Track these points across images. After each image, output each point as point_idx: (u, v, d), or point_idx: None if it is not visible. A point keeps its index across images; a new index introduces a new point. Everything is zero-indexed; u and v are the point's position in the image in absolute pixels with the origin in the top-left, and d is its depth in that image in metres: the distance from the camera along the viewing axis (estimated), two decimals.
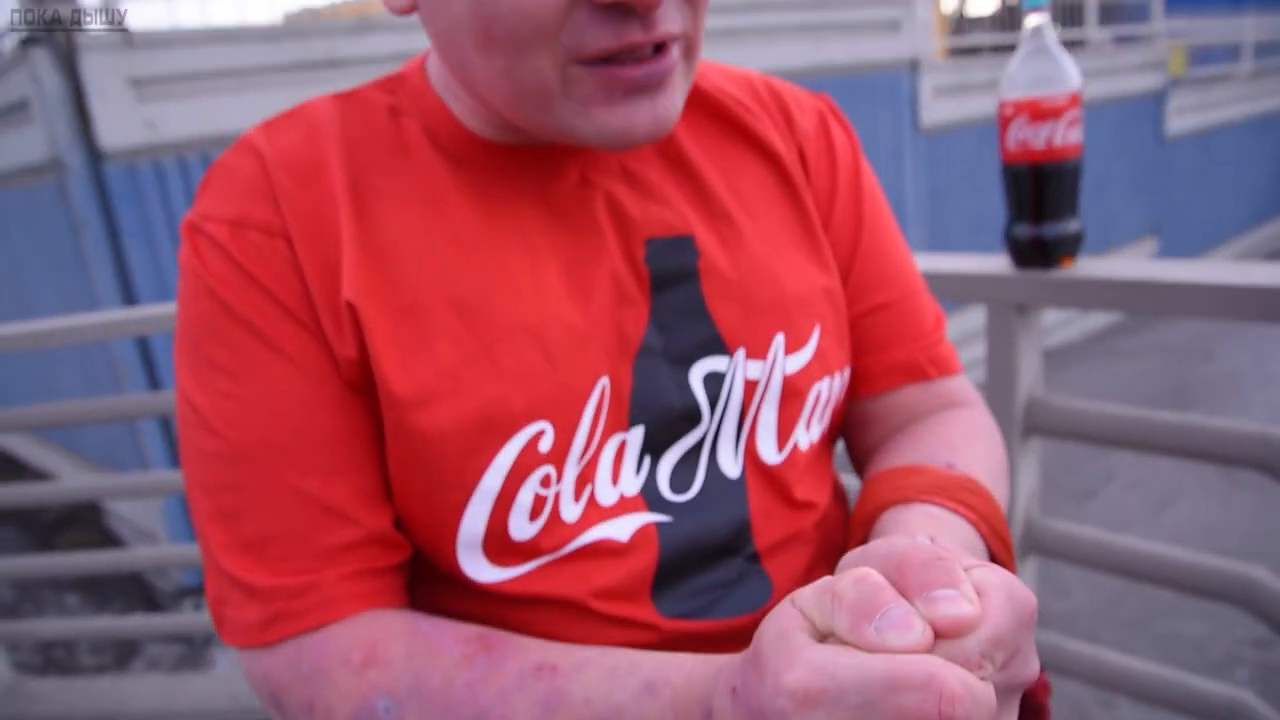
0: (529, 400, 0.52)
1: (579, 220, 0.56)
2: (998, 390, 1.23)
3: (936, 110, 5.99)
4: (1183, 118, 8.28)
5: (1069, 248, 1.14)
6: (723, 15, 4.64)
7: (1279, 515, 3.55)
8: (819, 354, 0.61)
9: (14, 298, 4.44)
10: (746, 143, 0.63)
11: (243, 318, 0.51)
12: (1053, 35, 1.08)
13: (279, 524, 0.51)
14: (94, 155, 3.32)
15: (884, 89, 5.71)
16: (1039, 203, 1.12)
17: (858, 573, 0.36)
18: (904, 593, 0.35)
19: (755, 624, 0.55)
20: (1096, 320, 7.02)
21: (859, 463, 0.69)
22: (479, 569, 0.54)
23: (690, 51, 0.52)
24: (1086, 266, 1.13)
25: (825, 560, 0.62)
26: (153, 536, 3.65)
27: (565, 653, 0.48)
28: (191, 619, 2.51)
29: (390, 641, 0.50)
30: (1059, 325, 6.47)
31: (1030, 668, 0.38)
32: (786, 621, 0.36)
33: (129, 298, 3.40)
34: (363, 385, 0.53)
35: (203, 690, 2.20)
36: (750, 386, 0.58)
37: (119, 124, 3.33)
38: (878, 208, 0.68)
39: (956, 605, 0.35)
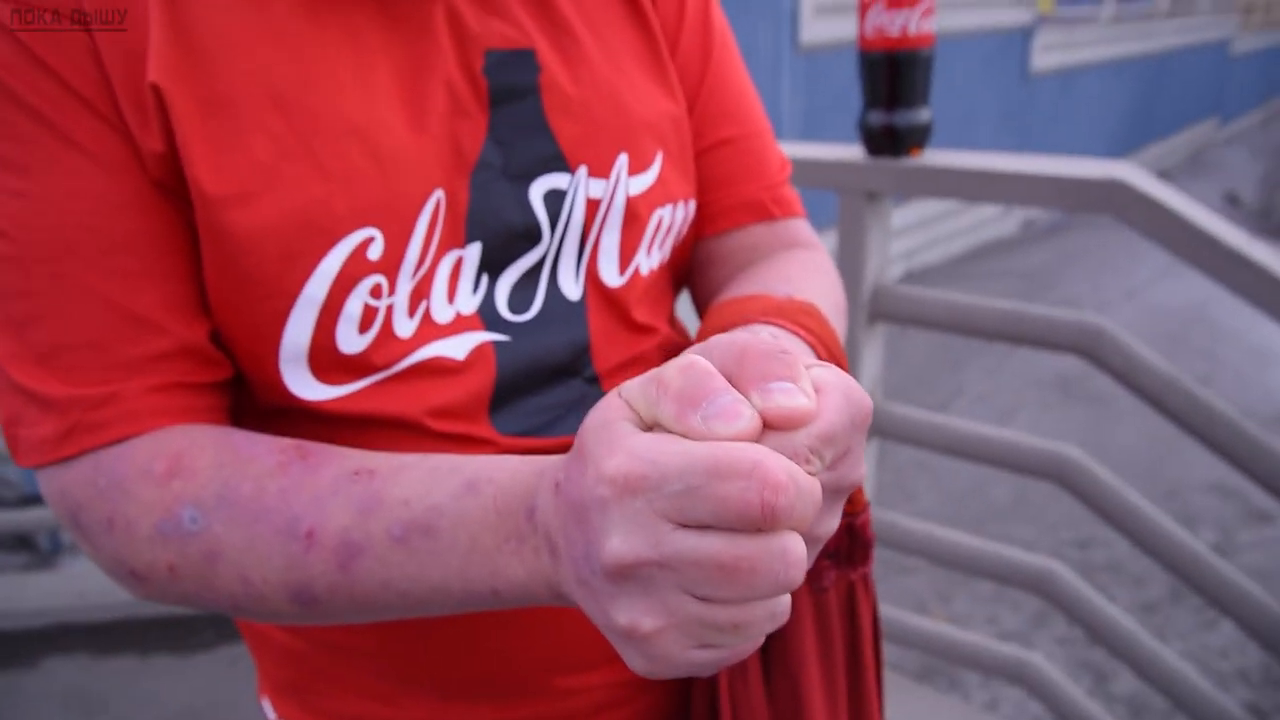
0: (356, 204, 0.49)
1: (414, 26, 0.53)
2: (846, 277, 1.27)
3: (815, 29, 6.00)
4: (1048, 55, 8.64)
5: (918, 137, 1.17)
6: None
7: (1106, 424, 3.87)
8: (661, 180, 0.60)
9: None
10: None
11: (33, 108, 0.46)
12: None
13: (77, 332, 0.47)
14: None
15: (762, 3, 5.66)
16: (892, 90, 1.15)
17: (685, 359, 0.35)
18: (742, 384, 0.34)
19: None
20: (954, 245, 7.37)
21: (702, 304, 0.69)
22: (305, 386, 0.51)
23: None
24: (933, 156, 1.17)
25: None
26: None
27: (386, 459, 0.47)
28: (35, 515, 2.37)
29: (197, 452, 0.47)
30: (917, 250, 6.76)
31: (858, 471, 0.38)
32: (610, 413, 0.36)
33: None
34: (172, 184, 0.48)
35: (48, 587, 2.10)
36: (592, 206, 0.57)
37: None
38: (727, 46, 0.67)
39: (792, 397, 0.34)
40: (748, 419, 0.33)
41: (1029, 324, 1.19)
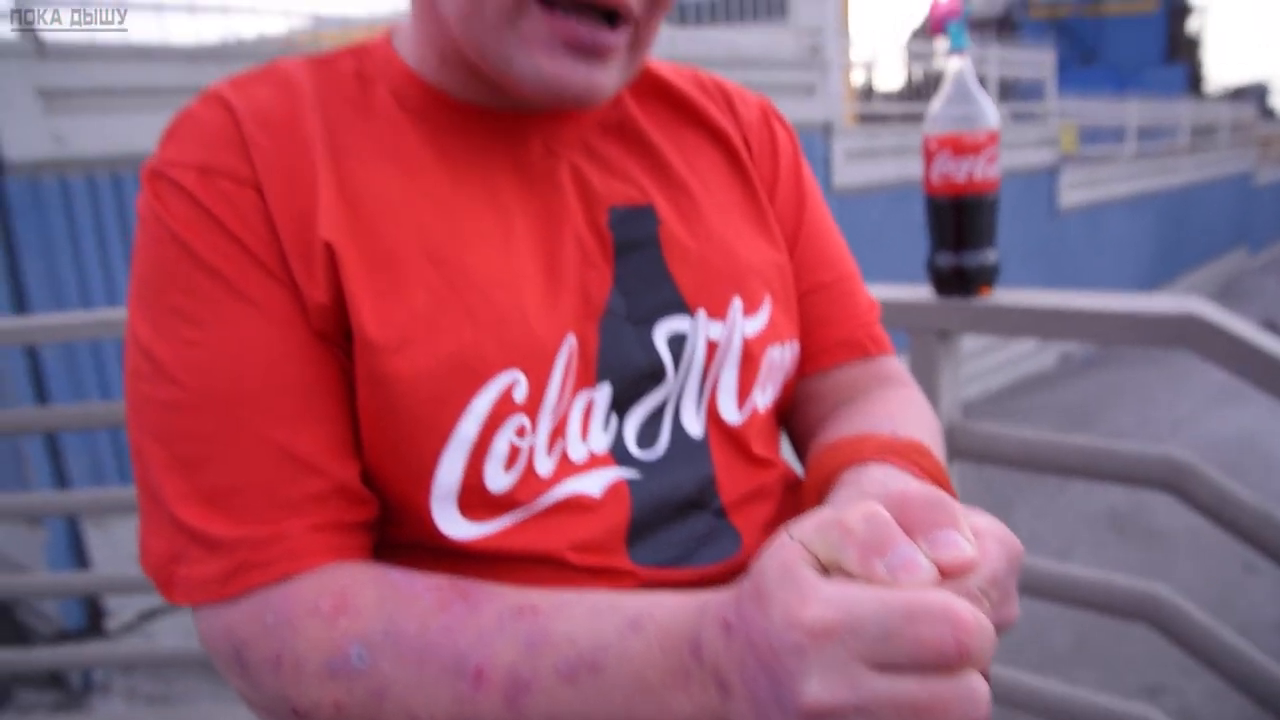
0: (503, 348, 0.52)
1: (545, 185, 0.58)
2: None
3: (848, 173, 6.26)
4: (1074, 192, 8.84)
5: (987, 277, 1.20)
6: None
7: (1164, 562, 3.73)
8: (771, 321, 0.63)
9: None
10: (698, 126, 0.67)
11: (208, 264, 0.50)
12: (973, 77, 1.16)
13: (244, 473, 0.49)
14: None
15: None
16: (959, 232, 1.18)
17: (867, 509, 0.37)
18: (908, 531, 0.37)
19: (729, 573, 0.57)
20: (993, 380, 7.34)
21: (801, 441, 0.71)
22: (453, 524, 0.53)
23: (637, 45, 0.55)
24: (1003, 295, 1.19)
25: (787, 514, 0.63)
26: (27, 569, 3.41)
27: (544, 596, 0.47)
28: (72, 653, 2.35)
29: (360, 589, 0.48)
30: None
31: (1013, 609, 0.40)
32: (789, 555, 0.37)
33: (21, 313, 3.22)
34: (332, 333, 0.52)
35: None
36: (712, 347, 0.60)
37: (24, 135, 3.19)
38: (817, 199, 0.72)
39: (960, 547, 0.37)
40: (927, 569, 0.36)
41: (1108, 460, 1.17)
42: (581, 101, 0.53)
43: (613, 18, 0.52)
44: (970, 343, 7.02)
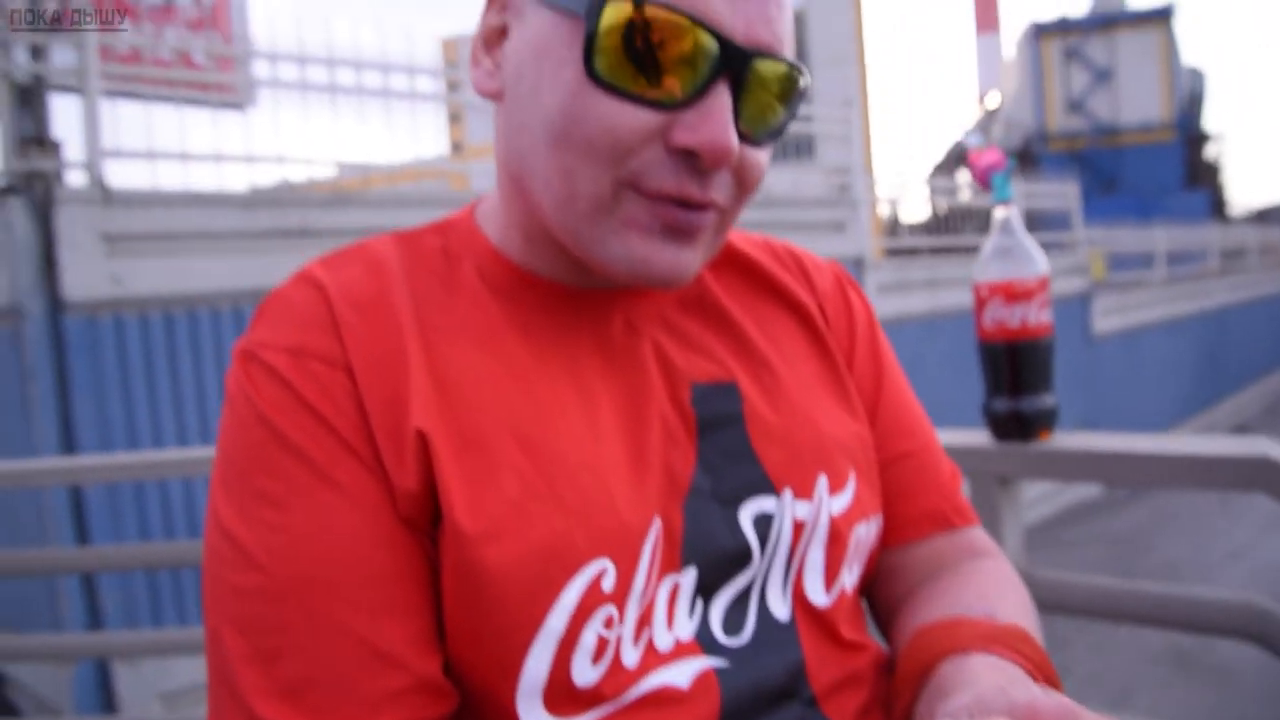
0: (592, 536, 0.52)
1: (628, 363, 0.59)
2: None
3: (880, 305, 6.34)
4: (1108, 318, 8.85)
5: (1046, 421, 1.19)
6: None
7: (1234, 701, 3.53)
8: (857, 497, 0.63)
9: None
10: (775, 297, 0.68)
11: (296, 447, 0.50)
12: (1020, 225, 1.19)
13: (324, 667, 0.48)
14: (55, 305, 3.30)
15: None
16: (1015, 378, 1.18)
17: None
18: None
19: None
20: (1040, 511, 7.16)
21: (885, 615, 0.69)
22: (536, 719, 0.51)
23: (722, 225, 0.57)
24: (1064, 439, 1.18)
25: (879, 701, 0.61)
26: (57, 713, 3.35)
27: None
28: None
29: None
30: None
31: None
32: None
33: (69, 452, 3.28)
34: (419, 521, 0.51)
35: None
36: (799, 527, 0.60)
37: (85, 276, 3.34)
38: (894, 365, 0.73)
39: None
40: None
41: (1183, 608, 1.12)
42: (669, 283, 0.55)
43: (703, 205, 0.54)
44: None
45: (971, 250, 8.21)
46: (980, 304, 1.19)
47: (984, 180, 1.22)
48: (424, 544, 0.52)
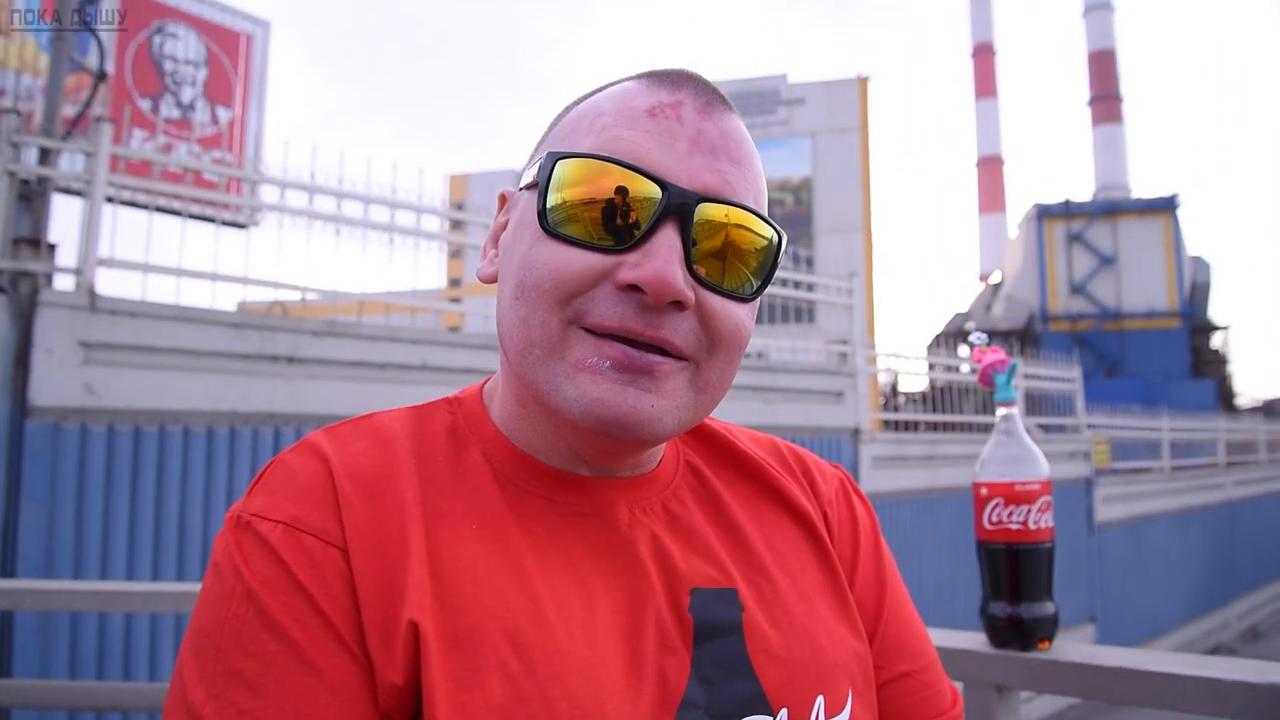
0: None
1: (627, 560, 0.59)
2: None
3: (876, 478, 6.35)
4: (1111, 506, 8.83)
5: (1046, 630, 1.17)
6: None
7: None
8: (853, 718, 0.62)
9: None
10: (778, 503, 0.69)
11: (280, 627, 0.50)
12: (1021, 427, 1.21)
13: None
14: (19, 409, 3.29)
15: (827, 453, 6.11)
16: (1015, 583, 1.17)
17: None
18: None
19: None
20: (1035, 709, 6.91)
21: None
22: None
23: (698, 382, 0.58)
24: (1065, 650, 1.16)
25: None
26: None
27: None
28: None
29: None
30: None
31: None
32: None
33: (6, 561, 3.18)
34: (397, 716, 0.51)
35: None
36: None
37: (56, 382, 3.34)
38: (897, 580, 0.73)
39: None
40: None
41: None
42: (630, 429, 0.55)
43: (660, 350, 0.56)
44: None
45: (971, 428, 8.29)
46: (980, 504, 1.19)
47: (986, 380, 1.25)
48: None
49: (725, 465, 0.69)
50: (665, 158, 0.55)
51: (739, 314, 0.59)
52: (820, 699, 0.60)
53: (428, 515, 0.56)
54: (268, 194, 4.65)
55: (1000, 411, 1.21)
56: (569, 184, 0.55)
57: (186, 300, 3.86)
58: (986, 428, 8.40)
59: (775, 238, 0.59)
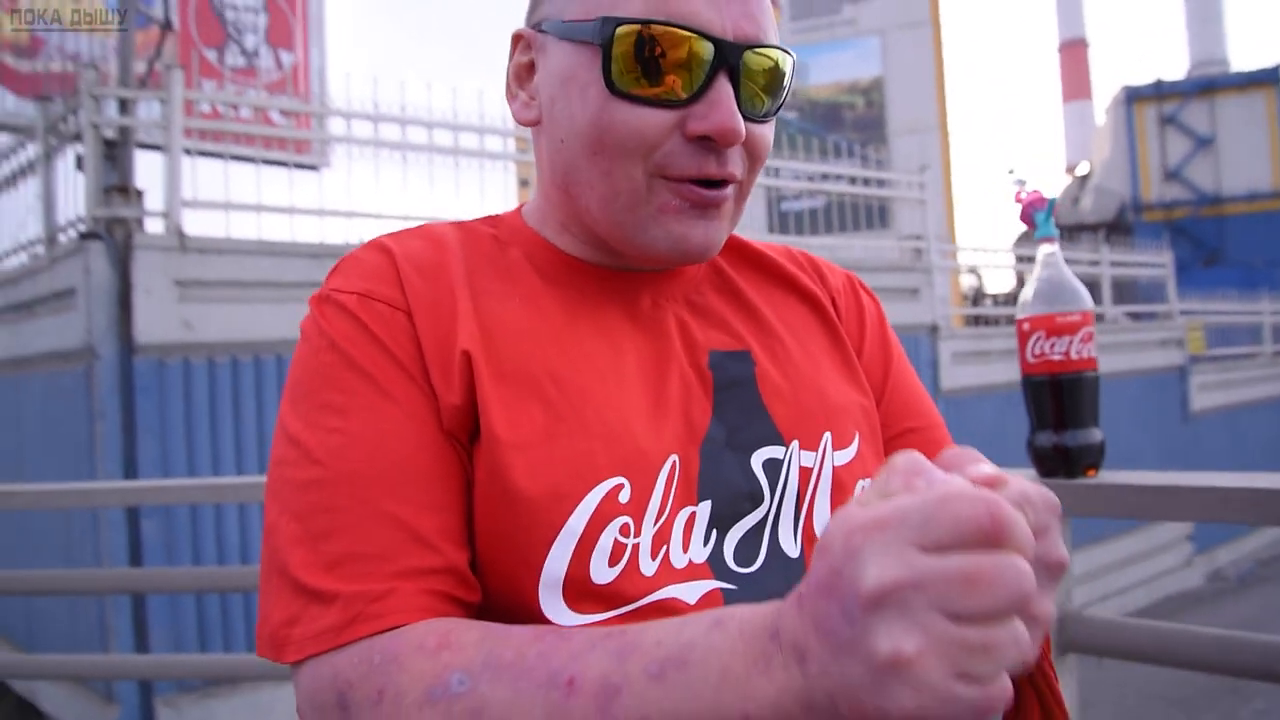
0: (611, 457, 0.62)
1: (653, 330, 0.69)
2: None
3: (957, 375, 6.31)
4: (1206, 394, 8.57)
5: (1092, 458, 1.22)
6: None
7: None
8: (860, 455, 0.71)
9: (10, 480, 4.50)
10: (789, 288, 0.78)
11: (360, 367, 0.62)
12: (1061, 261, 1.24)
13: (367, 543, 0.57)
14: (127, 348, 3.53)
15: (907, 349, 6.08)
16: (1060, 412, 1.22)
17: (906, 453, 0.45)
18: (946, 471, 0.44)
19: None
20: (1132, 599, 6.88)
21: None
22: (558, 613, 0.59)
23: (740, 197, 0.69)
24: (1110, 475, 1.21)
25: None
26: None
27: (632, 625, 0.52)
28: None
29: (463, 630, 0.54)
30: (1087, 605, 6.33)
31: (1058, 551, 0.45)
32: (846, 510, 0.43)
33: None
34: (459, 434, 0.62)
35: None
36: (805, 473, 0.68)
37: (157, 321, 3.57)
38: (902, 355, 0.81)
39: (991, 468, 0.44)
40: (961, 478, 0.42)
41: (1259, 654, 1.12)
42: (703, 254, 0.66)
43: (723, 181, 0.66)
44: (1101, 555, 6.66)
45: None
46: (1023, 339, 1.24)
47: (1027, 219, 1.28)
48: (461, 456, 0.62)
49: (741, 262, 0.77)
50: (709, 14, 0.63)
51: (768, 132, 0.68)
52: (828, 434, 0.70)
53: (474, 293, 0.66)
54: (334, 127, 4.77)
55: (1041, 249, 1.24)
56: (634, 46, 0.63)
57: (267, 238, 4.05)
58: None
59: (792, 61, 0.68)
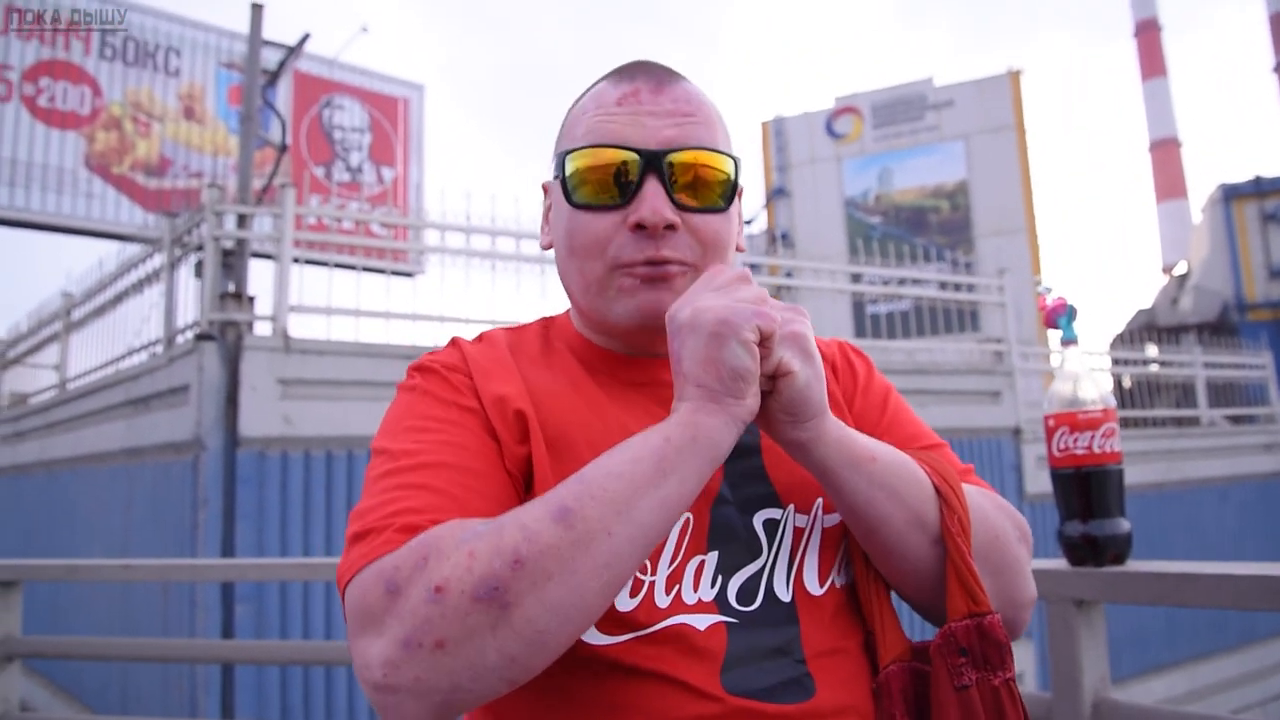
0: None
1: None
2: (1063, 692, 1.31)
3: (1040, 479, 6.20)
4: None
5: (1119, 547, 1.29)
6: None
7: None
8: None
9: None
10: None
11: (444, 401, 0.79)
12: (1082, 364, 1.34)
13: (432, 505, 0.70)
14: (231, 440, 3.82)
15: (986, 454, 6.05)
16: (1086, 502, 1.30)
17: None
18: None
19: (804, 712, 0.75)
20: None
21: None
22: (589, 634, 0.73)
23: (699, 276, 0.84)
24: (1136, 565, 1.27)
25: (863, 671, 0.79)
26: None
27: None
28: None
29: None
30: None
31: (794, 325, 0.73)
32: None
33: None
34: (519, 476, 0.76)
35: None
36: (798, 532, 0.81)
37: (260, 416, 3.86)
38: (902, 401, 0.94)
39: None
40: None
41: None
42: (659, 319, 0.79)
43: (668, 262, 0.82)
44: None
45: (1161, 423, 7.88)
46: (1049, 434, 1.33)
47: (1051, 323, 1.38)
48: (520, 489, 0.76)
49: None
50: (636, 131, 0.81)
51: (717, 224, 0.83)
52: (819, 500, 0.83)
53: (526, 379, 0.82)
54: (429, 238, 5.13)
55: (1067, 351, 1.34)
56: (578, 169, 0.82)
57: (365, 339, 4.36)
58: (1182, 422, 7.97)
59: (732, 161, 0.84)
